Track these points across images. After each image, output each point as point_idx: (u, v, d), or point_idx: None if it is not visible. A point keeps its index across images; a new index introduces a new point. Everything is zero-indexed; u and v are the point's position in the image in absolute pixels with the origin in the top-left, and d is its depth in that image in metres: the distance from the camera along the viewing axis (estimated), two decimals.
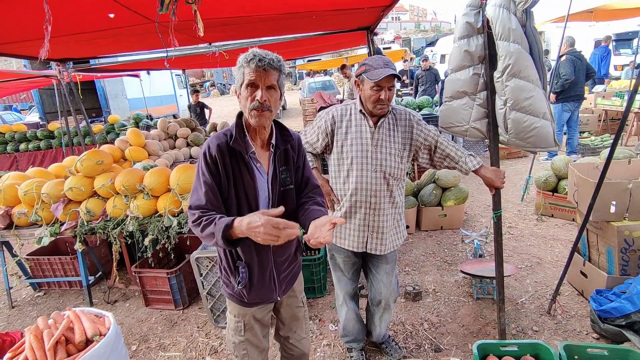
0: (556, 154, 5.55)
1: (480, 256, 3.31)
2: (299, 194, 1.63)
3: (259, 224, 1.24)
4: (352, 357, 2.41)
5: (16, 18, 2.42)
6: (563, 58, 5.99)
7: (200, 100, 8.93)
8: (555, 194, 4.30)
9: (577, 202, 2.96)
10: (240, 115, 1.51)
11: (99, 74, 8.01)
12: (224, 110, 19.70)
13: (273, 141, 1.52)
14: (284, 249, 1.61)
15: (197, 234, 1.41)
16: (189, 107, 8.91)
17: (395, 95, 2.12)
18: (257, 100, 1.37)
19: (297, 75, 28.84)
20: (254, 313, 1.67)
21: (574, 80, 5.90)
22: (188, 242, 3.24)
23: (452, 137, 5.37)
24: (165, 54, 4.37)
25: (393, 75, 1.81)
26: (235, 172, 1.46)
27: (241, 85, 1.41)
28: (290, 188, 1.57)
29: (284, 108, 17.28)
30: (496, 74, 1.94)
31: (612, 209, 2.57)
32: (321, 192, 1.68)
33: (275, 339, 1.94)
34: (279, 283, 1.63)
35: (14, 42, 3.07)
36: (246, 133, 1.48)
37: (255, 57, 1.35)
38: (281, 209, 1.33)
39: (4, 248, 3.48)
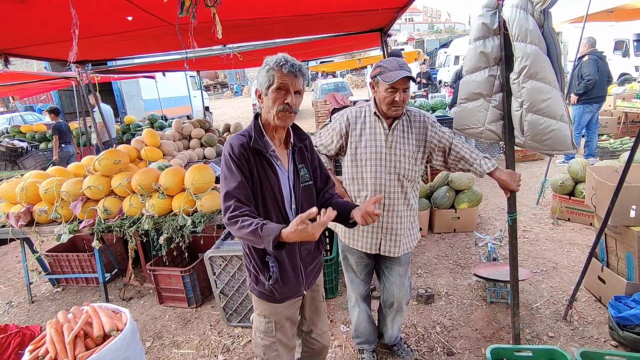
0: (573, 157, 5.43)
1: (494, 260, 3.27)
2: (320, 192, 1.70)
3: (306, 227, 1.25)
4: (364, 358, 2.41)
5: (38, 21, 2.49)
6: (585, 58, 5.86)
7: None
8: (572, 197, 4.21)
9: (595, 206, 2.90)
10: (257, 116, 1.57)
11: (116, 76, 8.18)
12: (236, 111, 19.88)
13: (291, 140, 1.59)
14: (307, 243, 1.65)
15: (231, 230, 1.42)
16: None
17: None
18: (287, 103, 1.44)
19: (310, 77, 28.62)
20: (285, 311, 1.68)
21: (597, 81, 5.77)
22: (202, 241, 3.29)
23: (465, 138, 5.31)
24: (180, 56, 4.45)
25: (408, 77, 1.81)
26: (259, 170, 1.51)
27: (268, 87, 1.45)
28: (310, 184, 1.64)
29: None
30: (512, 76, 1.91)
31: (632, 214, 2.51)
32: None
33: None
34: (306, 276, 1.68)
35: (36, 45, 3.16)
36: (264, 133, 1.54)
37: (287, 62, 1.41)
38: (314, 209, 1.29)
39: (25, 244, 3.59)
